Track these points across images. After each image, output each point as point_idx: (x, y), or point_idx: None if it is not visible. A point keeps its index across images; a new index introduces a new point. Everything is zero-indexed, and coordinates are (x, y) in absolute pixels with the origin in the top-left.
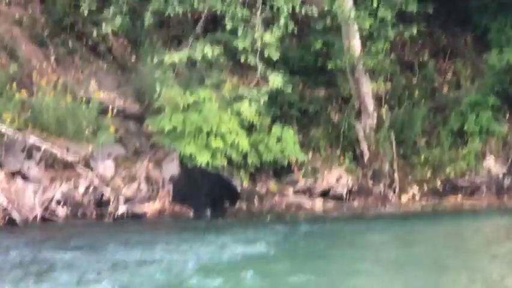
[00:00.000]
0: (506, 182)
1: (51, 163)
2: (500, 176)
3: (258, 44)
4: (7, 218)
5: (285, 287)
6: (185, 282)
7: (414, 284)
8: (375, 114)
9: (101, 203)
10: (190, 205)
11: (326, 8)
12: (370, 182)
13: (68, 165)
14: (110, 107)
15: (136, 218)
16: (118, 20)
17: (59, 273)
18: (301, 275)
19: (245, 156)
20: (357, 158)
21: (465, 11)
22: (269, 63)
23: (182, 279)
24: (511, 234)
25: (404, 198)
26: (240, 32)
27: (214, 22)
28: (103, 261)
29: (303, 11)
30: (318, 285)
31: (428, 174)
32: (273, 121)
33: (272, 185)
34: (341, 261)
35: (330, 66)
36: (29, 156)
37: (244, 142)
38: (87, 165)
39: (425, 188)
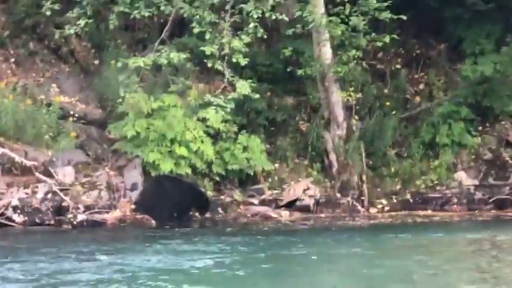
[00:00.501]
0: (478, 195)
1: (8, 168)
2: (472, 188)
3: (226, 50)
4: None
5: None
6: None
7: None
8: (345, 125)
9: (60, 210)
10: (155, 214)
11: (296, 14)
12: (338, 194)
13: (26, 171)
14: (71, 112)
15: (95, 226)
16: (82, 22)
17: None
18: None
19: (210, 165)
20: (325, 169)
21: (439, 20)
22: (237, 70)
23: None
24: (482, 248)
25: (373, 210)
26: (207, 37)
27: (181, 26)
28: (32, 271)
29: (273, 17)
30: None
31: (398, 186)
32: (240, 129)
33: (237, 194)
34: (303, 274)
35: (299, 73)
36: None
37: (209, 150)
38: (46, 171)
39: (395, 200)
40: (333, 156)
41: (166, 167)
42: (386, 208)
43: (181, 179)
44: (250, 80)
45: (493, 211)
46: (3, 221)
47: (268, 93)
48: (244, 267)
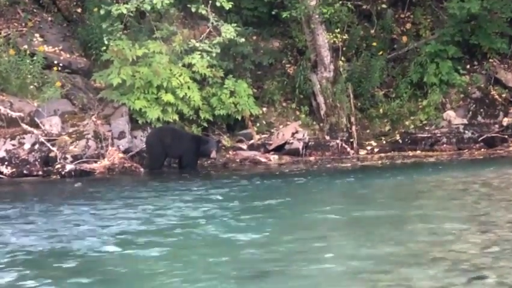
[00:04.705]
0: (467, 133)
1: None
2: (461, 127)
3: None
4: None
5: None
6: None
7: (373, 238)
8: (332, 66)
9: (47, 161)
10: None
11: None
12: (327, 136)
13: (12, 122)
14: (55, 61)
15: (84, 175)
16: None
17: None
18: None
19: (197, 111)
20: (313, 112)
21: None
22: (221, 14)
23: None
24: (471, 187)
25: (362, 152)
26: None
27: None
28: (19, 221)
29: None
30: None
31: (387, 127)
32: (226, 74)
33: (225, 140)
34: (290, 216)
35: (284, 16)
36: None
37: (196, 96)
38: (32, 121)
39: (384, 141)
40: (320, 99)
41: (153, 114)
42: (376, 149)
43: (180, 130)
44: (235, 24)
45: (482, 150)
46: None
47: (254, 37)
48: (250, 209)
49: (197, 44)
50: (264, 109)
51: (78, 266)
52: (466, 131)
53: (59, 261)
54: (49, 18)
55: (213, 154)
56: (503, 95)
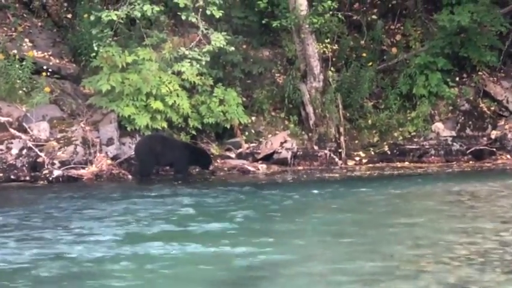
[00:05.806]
0: (455, 146)
1: None
2: (449, 140)
3: (200, 2)
4: None
5: None
6: None
7: (358, 249)
8: (321, 76)
9: (35, 166)
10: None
11: None
12: (315, 146)
13: (0, 127)
14: (44, 67)
15: (71, 181)
16: None
17: None
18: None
19: (186, 119)
20: (302, 122)
21: None
22: (211, 22)
23: None
24: (459, 199)
25: (351, 162)
26: None
27: None
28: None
29: None
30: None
31: (375, 138)
32: (216, 82)
33: (214, 148)
34: (275, 227)
35: (274, 25)
36: None
37: (185, 104)
38: (21, 126)
39: (372, 152)
40: (309, 109)
41: (142, 121)
42: (364, 160)
43: (171, 137)
44: (225, 33)
45: (470, 162)
46: None
47: (244, 46)
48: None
49: (187, 52)
50: (253, 118)
51: None
52: (454, 143)
53: None
54: (39, 24)
55: (212, 167)
56: (492, 108)
